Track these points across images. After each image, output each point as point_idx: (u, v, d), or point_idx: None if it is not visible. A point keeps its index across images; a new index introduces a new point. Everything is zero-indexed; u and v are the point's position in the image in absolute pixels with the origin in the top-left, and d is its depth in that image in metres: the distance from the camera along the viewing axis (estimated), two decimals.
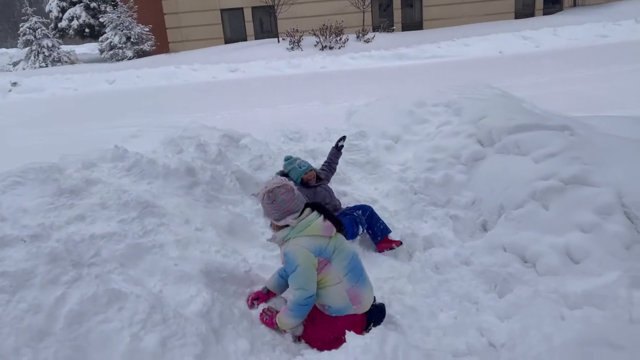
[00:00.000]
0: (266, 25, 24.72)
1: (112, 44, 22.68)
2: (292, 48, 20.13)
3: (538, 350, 2.54)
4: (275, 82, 14.81)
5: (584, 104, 8.65)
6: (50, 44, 22.86)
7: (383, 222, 4.14)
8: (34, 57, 22.69)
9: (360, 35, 20.94)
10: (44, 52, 22.59)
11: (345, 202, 4.99)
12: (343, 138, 4.86)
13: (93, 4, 27.06)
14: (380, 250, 4.05)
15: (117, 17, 22.75)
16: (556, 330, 2.73)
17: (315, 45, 20.18)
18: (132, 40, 22.68)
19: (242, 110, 10.87)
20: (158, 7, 23.28)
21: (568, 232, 3.49)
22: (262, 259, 3.53)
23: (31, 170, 3.13)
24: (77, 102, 13.90)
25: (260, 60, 18.11)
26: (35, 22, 23.06)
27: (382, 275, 3.79)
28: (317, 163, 5.55)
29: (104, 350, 2.23)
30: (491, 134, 4.96)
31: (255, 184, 4.33)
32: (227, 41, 23.86)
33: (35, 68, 21.72)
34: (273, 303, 3.03)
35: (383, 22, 23.98)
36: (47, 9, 28.32)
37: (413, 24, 24.99)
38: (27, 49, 23.13)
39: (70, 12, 27.09)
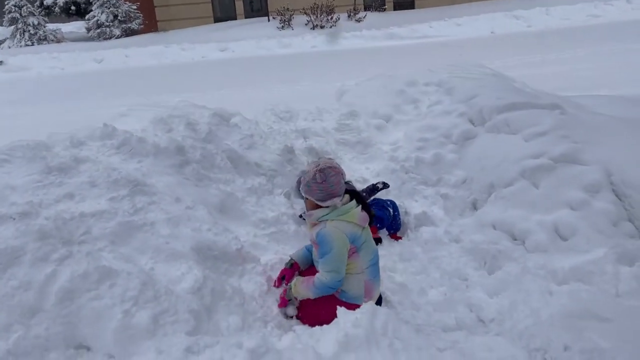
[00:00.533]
0: (256, 4, 24.35)
1: (99, 22, 22.24)
2: (282, 27, 19.90)
3: (526, 324, 2.59)
4: (266, 62, 14.67)
5: (574, 83, 8.67)
6: (36, 22, 22.37)
7: (400, 219, 4.19)
8: (20, 35, 22.22)
9: (352, 14, 20.73)
10: (29, 31, 22.13)
11: None
12: (385, 185, 4.52)
13: None
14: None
15: None
16: (544, 305, 2.77)
17: (306, 24, 19.96)
18: (119, 18, 22.26)
19: (232, 90, 10.78)
20: None
21: (557, 210, 3.53)
22: (253, 237, 3.53)
23: (19, 148, 3.09)
24: (64, 82, 13.70)
25: (250, 39, 17.90)
26: (21, 0, 22.55)
27: None
28: (309, 143, 5.54)
29: (95, 327, 2.24)
30: (482, 113, 4.97)
31: (246, 163, 4.31)
32: (217, 20, 23.50)
33: (21, 46, 21.31)
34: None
35: (374, 1, 23.72)
36: None
37: (405, 3, 24.73)
38: (12, 27, 22.63)
39: None
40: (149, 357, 2.15)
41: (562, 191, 3.61)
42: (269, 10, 21.86)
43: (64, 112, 9.31)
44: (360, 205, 2.89)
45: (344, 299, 2.85)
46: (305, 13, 19.93)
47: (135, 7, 22.72)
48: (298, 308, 2.92)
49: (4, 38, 23.73)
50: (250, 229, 3.61)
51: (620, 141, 3.90)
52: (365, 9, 22.66)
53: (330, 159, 3.09)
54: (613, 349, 1.99)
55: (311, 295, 2.80)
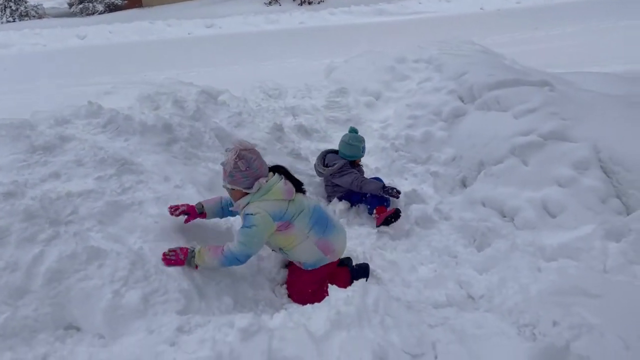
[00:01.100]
0: None
1: None
2: (269, 3, 19.58)
3: (515, 300, 2.61)
4: (253, 38, 14.45)
5: (563, 60, 8.66)
6: None
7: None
8: (1, 11, 21.62)
9: None
10: (11, 7, 21.54)
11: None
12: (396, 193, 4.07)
13: None
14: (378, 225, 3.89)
15: None
16: (533, 282, 2.81)
17: (293, 0, 19.65)
18: None
19: (219, 67, 10.61)
20: None
21: (546, 187, 3.55)
22: None
23: (2, 127, 3.01)
24: (47, 59, 13.39)
25: (237, 15, 17.57)
26: None
27: (364, 231, 3.83)
28: (298, 121, 5.49)
29: (85, 307, 2.22)
30: (472, 90, 4.95)
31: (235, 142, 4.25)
32: None
33: (2, 23, 20.74)
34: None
35: None
36: None
37: None
38: None
39: None
40: (139, 337, 2.14)
41: (551, 168, 3.63)
42: None
43: (47, 90, 9.11)
44: (283, 178, 2.78)
45: (309, 268, 2.88)
46: None
47: None
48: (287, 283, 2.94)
49: None
50: None
51: (609, 118, 3.91)
52: None
53: (241, 140, 2.86)
54: (601, 324, 2.02)
55: (217, 265, 2.65)
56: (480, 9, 17.33)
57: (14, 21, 20.97)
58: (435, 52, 6.33)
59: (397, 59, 6.48)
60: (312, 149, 5.09)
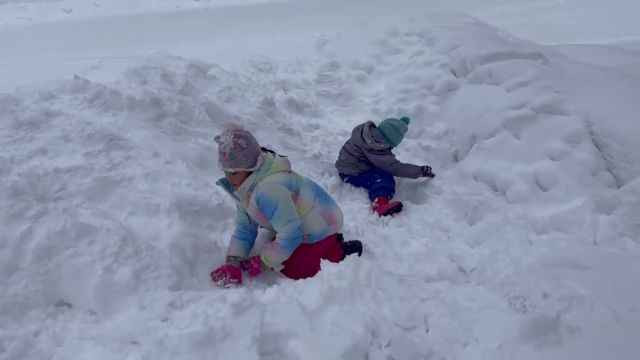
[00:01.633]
0: None
1: None
2: None
3: (506, 273, 2.62)
4: (243, 11, 14.22)
5: (556, 32, 8.61)
6: None
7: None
8: None
9: None
10: None
11: (318, 135, 4.94)
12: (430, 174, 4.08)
13: None
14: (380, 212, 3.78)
15: None
16: (524, 254, 2.82)
17: None
18: None
19: (208, 41, 10.47)
20: None
21: (537, 160, 3.54)
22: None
23: None
24: (32, 33, 13.12)
25: None
26: None
27: (356, 206, 3.82)
28: (289, 95, 5.43)
29: (76, 284, 2.21)
30: (464, 64, 4.91)
31: (226, 116, 4.20)
32: None
33: None
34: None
35: None
36: None
37: None
38: None
39: None
40: (131, 312, 2.13)
41: (543, 142, 3.62)
42: None
43: (33, 65, 8.95)
44: (276, 153, 2.83)
45: (314, 241, 2.88)
46: None
47: None
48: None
49: None
50: None
51: (602, 91, 3.89)
52: None
53: (230, 122, 2.78)
54: (592, 295, 2.03)
55: (285, 257, 2.74)
56: None
57: None
58: (427, 24, 6.24)
59: (389, 32, 6.39)
60: (304, 123, 5.05)
